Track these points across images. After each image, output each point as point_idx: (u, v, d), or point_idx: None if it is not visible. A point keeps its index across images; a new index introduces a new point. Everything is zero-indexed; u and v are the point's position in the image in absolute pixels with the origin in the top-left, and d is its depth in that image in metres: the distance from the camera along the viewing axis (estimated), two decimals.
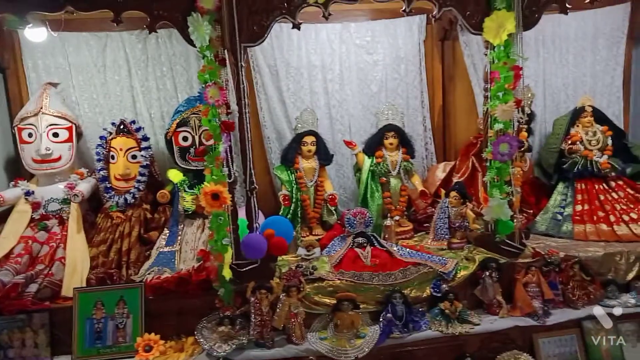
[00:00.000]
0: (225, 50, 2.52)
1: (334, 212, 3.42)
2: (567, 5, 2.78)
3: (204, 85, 2.46)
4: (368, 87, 3.66)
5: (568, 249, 3.03)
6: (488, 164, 2.86)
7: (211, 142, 2.54)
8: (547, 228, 3.37)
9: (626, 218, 3.26)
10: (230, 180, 2.62)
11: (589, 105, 3.59)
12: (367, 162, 3.38)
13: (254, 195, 2.73)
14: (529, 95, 3.56)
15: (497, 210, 2.80)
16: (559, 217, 3.43)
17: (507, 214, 2.80)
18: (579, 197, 3.46)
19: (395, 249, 3.04)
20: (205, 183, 2.53)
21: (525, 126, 3.44)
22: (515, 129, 2.82)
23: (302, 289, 2.64)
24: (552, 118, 3.79)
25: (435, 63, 3.73)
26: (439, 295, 2.76)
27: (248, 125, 2.66)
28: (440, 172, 3.67)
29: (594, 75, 3.87)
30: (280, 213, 3.26)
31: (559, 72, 3.84)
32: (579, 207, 3.40)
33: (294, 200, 3.26)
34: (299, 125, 3.32)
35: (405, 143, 3.39)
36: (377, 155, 3.37)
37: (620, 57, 3.85)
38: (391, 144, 3.35)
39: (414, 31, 3.63)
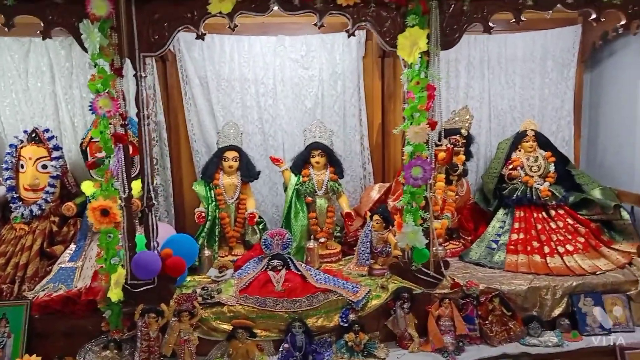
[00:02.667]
0: (125, 59, 2.43)
1: (257, 231, 3.29)
2: (490, 25, 2.66)
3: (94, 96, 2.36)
4: (302, 103, 3.56)
5: (493, 280, 2.88)
6: (404, 188, 2.73)
7: (102, 154, 2.43)
8: (479, 257, 3.22)
9: (561, 250, 3.11)
10: (125, 196, 2.51)
11: (532, 130, 3.46)
12: (292, 181, 3.26)
13: (152, 212, 2.61)
14: (467, 117, 3.45)
15: (411, 237, 2.66)
16: (494, 245, 3.28)
17: (422, 241, 2.66)
18: (517, 225, 3.32)
19: (311, 273, 2.90)
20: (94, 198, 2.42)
21: (462, 149, 3.36)
22: (432, 152, 2.69)
23: (195, 314, 2.51)
24: (498, 141, 3.67)
25: (375, 80, 3.62)
26: (346, 325, 2.62)
27: (147, 137, 2.56)
28: (375, 193, 3.54)
29: (542, 98, 3.75)
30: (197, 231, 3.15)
31: (506, 93, 3.73)
32: (514, 236, 3.26)
33: (210, 218, 3.13)
34: (220, 139, 3.21)
35: (333, 162, 3.27)
36: (304, 174, 3.25)
37: (571, 80, 3.74)
38: (318, 162, 3.23)
39: (352, 47, 3.53)
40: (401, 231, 2.69)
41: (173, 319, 2.47)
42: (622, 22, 2.75)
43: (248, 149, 3.48)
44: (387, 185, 3.59)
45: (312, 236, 3.21)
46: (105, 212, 2.40)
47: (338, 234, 3.49)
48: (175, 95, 3.48)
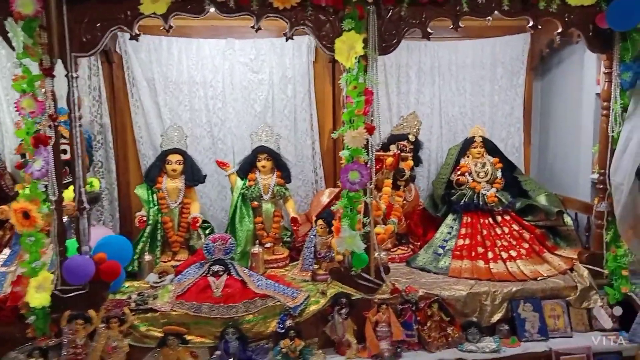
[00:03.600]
0: (55, 59, 2.37)
1: (202, 236, 3.24)
2: (428, 30, 2.67)
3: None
4: (252, 107, 3.53)
5: (434, 286, 2.88)
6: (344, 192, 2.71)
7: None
8: (425, 262, 3.21)
9: (505, 255, 3.12)
10: (55, 198, 2.44)
11: (480, 136, 3.49)
12: (239, 185, 3.22)
13: (84, 215, 2.54)
14: (415, 122, 3.46)
15: (349, 242, 2.64)
16: (441, 251, 3.28)
17: (360, 246, 2.64)
18: (463, 230, 3.33)
19: (252, 279, 2.86)
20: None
21: (410, 155, 3.36)
22: (372, 156, 2.67)
23: (125, 321, 2.45)
24: (449, 147, 3.68)
25: (326, 85, 3.61)
26: (282, 331, 2.58)
27: (78, 139, 2.50)
28: (325, 198, 3.52)
29: (492, 105, 3.79)
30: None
31: (456, 100, 3.75)
32: (460, 242, 3.27)
33: (150, 222, 3.07)
34: (164, 142, 3.16)
35: (280, 166, 3.24)
36: (250, 178, 3.22)
37: (520, 87, 3.78)
38: (264, 166, 3.20)
39: (302, 51, 3.52)
40: (339, 236, 2.67)
41: (101, 326, 2.41)
42: (559, 30, 2.78)
43: (196, 152, 3.44)
44: (338, 190, 3.56)
45: (257, 241, 3.16)
46: (26, 215, 2.33)
47: (288, 239, 3.45)
48: (121, 97, 3.42)
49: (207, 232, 3.30)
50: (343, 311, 2.63)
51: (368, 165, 2.62)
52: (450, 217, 3.47)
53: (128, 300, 2.58)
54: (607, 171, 2.85)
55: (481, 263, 3.10)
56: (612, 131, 2.81)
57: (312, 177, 3.68)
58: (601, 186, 2.91)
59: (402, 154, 3.32)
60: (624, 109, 2.79)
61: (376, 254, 2.93)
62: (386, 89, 3.66)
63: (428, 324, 2.69)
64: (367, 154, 2.64)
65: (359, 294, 2.72)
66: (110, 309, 2.45)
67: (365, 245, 2.67)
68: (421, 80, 3.69)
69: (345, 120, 2.62)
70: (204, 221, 3.37)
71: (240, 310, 2.61)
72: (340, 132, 2.65)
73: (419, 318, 2.70)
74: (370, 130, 2.61)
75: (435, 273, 3.11)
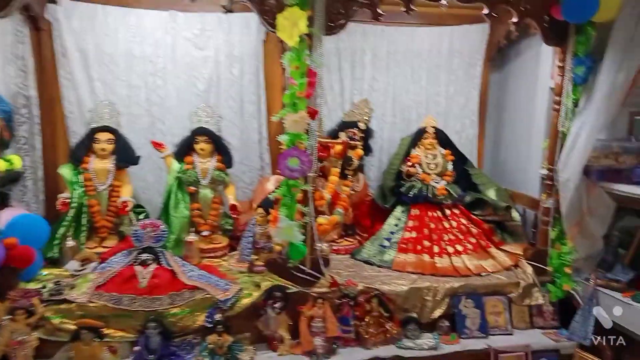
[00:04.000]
0: None
1: (135, 221, 3.02)
2: (379, 12, 2.52)
3: None
4: (195, 86, 3.31)
5: (376, 280, 2.76)
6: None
7: None
8: (370, 255, 3.10)
9: (450, 250, 3.04)
10: None
11: (432, 127, 3.38)
12: (174, 168, 3.02)
13: None
14: (366, 110, 3.33)
15: (286, 232, 2.49)
16: (387, 243, 3.17)
17: (298, 237, 2.50)
18: (411, 223, 3.23)
19: (184, 269, 2.67)
20: None
21: (359, 143, 3.22)
22: (314, 142, 2.52)
23: (34, 312, 2.23)
24: (402, 137, 3.57)
25: (276, 66, 3.40)
26: (210, 325, 2.42)
27: None
28: (271, 186, 3.33)
29: (448, 95, 3.69)
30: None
31: (411, 88, 3.64)
32: (407, 235, 3.17)
33: (74, 204, 2.83)
34: (93, 119, 2.92)
35: (220, 150, 3.05)
36: (187, 162, 3.01)
37: (477, 79, 3.69)
38: (202, 149, 3.00)
39: (252, 29, 3.32)
40: (276, 226, 2.52)
41: (5, 318, 2.18)
42: (514, 20, 2.68)
43: (132, 132, 3.19)
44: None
45: (193, 229, 2.98)
46: None
47: (230, 227, 3.27)
48: (50, 68, 3.13)
49: (140, 217, 3.09)
50: (277, 305, 2.49)
51: (309, 152, 2.47)
52: (399, 209, 3.37)
53: (40, 290, 2.36)
54: (555, 167, 2.79)
55: (426, 257, 3.01)
56: (563, 126, 2.75)
57: (258, 162, 3.50)
58: (549, 182, 2.85)
59: (351, 141, 3.18)
60: (576, 104, 2.72)
61: (318, 245, 2.80)
62: (339, 74, 3.51)
63: (366, 320, 2.58)
64: (311, 140, 2.50)
65: (296, 287, 2.59)
66: (16, 300, 2.22)
67: (303, 237, 2.52)
68: (376, 66, 3.54)
69: (287, 103, 2.45)
70: (138, 206, 3.16)
71: (165, 303, 2.43)
72: (280, 114, 2.48)
73: (357, 313, 2.59)
74: (313, 114, 2.46)
75: (379, 266, 3.00)
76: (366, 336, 2.54)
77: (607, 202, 2.66)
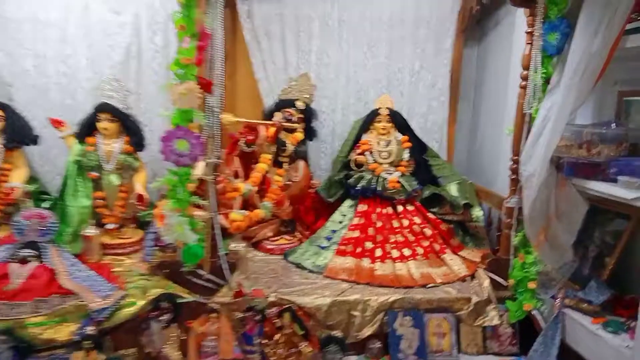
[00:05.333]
0: None
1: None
2: None
3: None
4: (109, 56, 2.89)
5: (296, 290, 2.31)
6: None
7: None
8: (302, 258, 2.64)
9: (396, 254, 2.57)
10: None
11: (387, 108, 2.89)
12: (75, 150, 2.61)
13: None
14: (307, 87, 2.85)
15: (176, 230, 2.06)
16: (325, 243, 2.72)
17: (190, 236, 2.07)
18: (356, 221, 2.77)
19: (68, 269, 2.27)
20: None
21: (298, 125, 2.77)
22: (215, 121, 2.08)
23: None
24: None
25: None
26: (81, 340, 2.02)
27: None
28: (198, 171, 2.90)
29: (413, 72, 3.18)
30: None
31: (369, 63, 3.14)
32: (349, 234, 2.70)
33: None
34: None
35: (129, 130, 2.63)
36: (89, 143, 2.60)
37: (447, 53, 3.16)
38: (106, 129, 2.58)
39: None
40: (164, 223, 2.09)
41: None
42: None
43: (40, 109, 2.81)
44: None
45: (94, 222, 2.57)
46: None
47: (149, 220, 2.85)
48: None
49: (42, 205, 2.70)
50: (163, 317, 2.07)
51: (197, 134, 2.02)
52: (346, 204, 2.91)
53: None
54: (519, 158, 2.28)
55: (366, 262, 2.55)
56: (529, 108, 2.23)
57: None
58: (514, 176, 2.35)
59: (285, 123, 2.72)
60: (547, 80, 2.20)
61: (232, 245, 2.38)
62: (282, 45, 3.04)
63: (276, 338, 2.15)
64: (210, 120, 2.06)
65: (192, 297, 2.16)
66: None
67: (197, 236, 2.09)
68: (326, 36, 3.06)
69: (173, 71, 2.00)
70: (42, 193, 2.78)
71: (27, 311, 2.04)
72: (166, 86, 2.03)
73: (265, 329, 2.16)
74: (206, 86, 2.01)
75: (310, 271, 2.55)
76: (273, 358, 2.11)
77: (579, 203, 2.14)
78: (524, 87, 2.26)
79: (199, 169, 2.85)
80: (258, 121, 2.60)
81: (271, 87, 3.03)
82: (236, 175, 2.88)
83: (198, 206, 2.11)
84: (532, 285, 2.29)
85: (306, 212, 2.98)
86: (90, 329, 2.02)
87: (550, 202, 2.19)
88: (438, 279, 2.43)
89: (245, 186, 2.43)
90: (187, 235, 2.06)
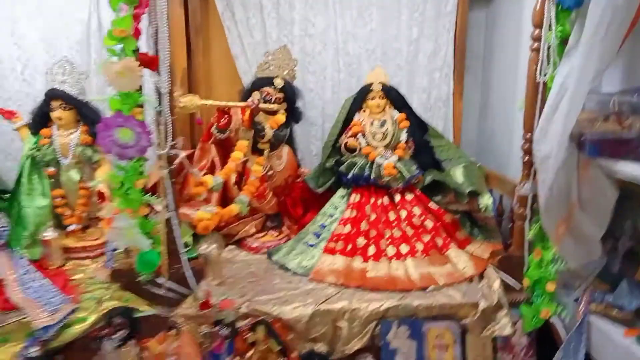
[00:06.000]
0: None
1: None
2: None
3: None
4: (65, 35, 2.59)
5: (275, 297, 2.02)
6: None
7: None
8: (287, 258, 2.35)
9: (391, 252, 2.25)
10: None
11: (380, 83, 2.54)
12: (29, 143, 2.35)
13: None
14: (288, 62, 2.52)
15: (128, 235, 1.78)
16: (314, 240, 2.42)
17: (143, 242, 1.79)
18: (348, 213, 2.45)
19: (20, 278, 2.02)
20: None
21: (277, 106, 2.45)
22: (166, 106, 1.78)
23: None
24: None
25: (176, 8, 2.63)
26: None
27: None
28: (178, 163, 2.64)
29: (410, 40, 2.80)
30: None
31: (360, 33, 2.77)
32: (340, 229, 2.39)
33: None
34: None
35: (86, 118, 2.35)
36: (43, 135, 2.33)
37: (450, 17, 2.78)
38: (60, 118, 2.30)
39: None
40: (112, 227, 1.81)
41: None
42: None
43: None
44: (189, 152, 2.69)
45: (56, 223, 2.33)
46: None
47: None
48: None
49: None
50: (117, 335, 1.81)
51: (144, 122, 1.72)
52: (339, 194, 2.59)
53: None
54: (533, 136, 1.93)
55: (357, 262, 2.24)
56: (543, 75, 1.87)
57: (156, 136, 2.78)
58: (527, 158, 2.00)
59: (263, 105, 2.40)
60: (563, 40, 1.82)
61: (203, 247, 2.10)
62: (260, 16, 2.70)
63: (248, 356, 1.87)
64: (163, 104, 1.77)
65: (151, 310, 1.89)
66: None
67: (150, 241, 1.81)
68: (309, 3, 2.70)
69: (107, 47, 1.69)
70: (3, 192, 2.53)
71: None
72: (101, 64, 1.73)
73: (236, 346, 1.88)
74: (149, 63, 1.70)
75: (295, 273, 2.26)
76: None
77: (607, 188, 1.78)
78: (536, 50, 1.89)
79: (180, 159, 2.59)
80: (228, 103, 2.28)
81: (250, 64, 2.71)
82: (213, 166, 2.60)
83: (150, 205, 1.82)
84: (550, 287, 1.95)
85: (294, 205, 2.67)
86: (35, 350, 1.77)
87: (571, 187, 1.84)
88: (440, 280, 2.11)
89: (214, 179, 2.13)
90: (139, 240, 1.78)
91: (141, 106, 1.72)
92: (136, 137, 1.70)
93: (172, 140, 1.83)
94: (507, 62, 2.66)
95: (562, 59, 1.82)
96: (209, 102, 2.21)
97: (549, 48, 1.84)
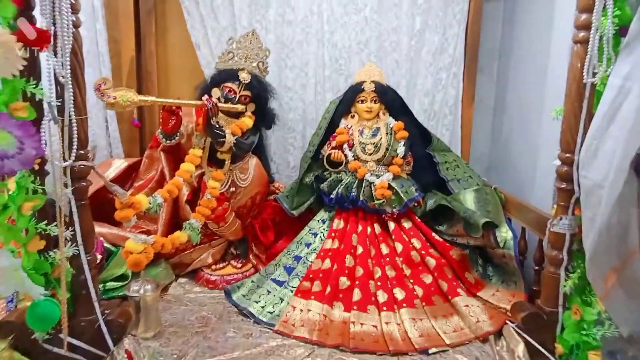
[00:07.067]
0: None
1: None
2: None
3: None
4: None
5: (221, 358, 1.54)
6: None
7: None
8: (248, 300, 1.86)
9: (382, 298, 1.78)
10: None
11: (372, 82, 2.07)
12: None
13: None
14: (258, 51, 2.05)
15: (14, 278, 1.29)
16: (284, 277, 1.94)
17: (34, 289, 1.29)
18: (329, 244, 1.98)
19: None
20: None
21: (241, 107, 1.99)
22: (69, 96, 1.29)
23: None
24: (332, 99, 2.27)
25: None
26: None
27: None
28: (112, 172, 2.16)
29: (412, 33, 2.35)
30: None
31: (350, 22, 2.31)
32: (317, 264, 1.92)
33: None
34: None
35: None
36: None
37: (461, 6, 2.33)
38: None
39: None
40: None
41: None
42: None
43: None
44: (135, 160, 2.22)
45: None
46: None
47: None
48: None
49: None
50: None
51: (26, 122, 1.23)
52: (320, 216, 2.13)
53: None
54: (575, 157, 1.47)
55: (338, 311, 1.76)
56: (592, 75, 1.41)
57: (102, 136, 2.30)
58: (564, 185, 1.53)
59: (224, 105, 1.92)
60: (621, 28, 1.37)
61: (133, 288, 1.63)
62: None
63: None
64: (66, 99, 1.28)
65: None
66: None
67: (41, 289, 1.31)
68: None
69: None
70: None
71: None
72: None
73: None
74: (37, 38, 1.21)
75: (257, 322, 1.77)
76: None
77: None
78: (582, 42, 1.43)
79: (115, 168, 2.13)
80: (176, 100, 1.80)
81: (214, 55, 2.24)
82: (163, 179, 2.12)
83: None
84: (594, 356, 1.48)
85: (263, 229, 2.18)
86: None
87: (629, 228, 1.37)
88: (447, 340, 1.64)
89: (150, 199, 1.65)
90: (28, 287, 1.29)
91: (31, 99, 1.23)
92: (17, 144, 1.21)
93: (81, 149, 1.34)
94: (532, 59, 2.20)
95: (619, 54, 1.36)
96: (150, 98, 1.73)
97: (601, 39, 1.38)
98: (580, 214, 1.51)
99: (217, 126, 1.91)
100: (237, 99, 1.96)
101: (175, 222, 2.07)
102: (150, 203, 1.65)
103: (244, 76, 1.95)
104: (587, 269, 1.43)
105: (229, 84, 1.96)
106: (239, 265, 2.14)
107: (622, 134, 1.30)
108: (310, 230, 2.10)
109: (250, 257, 2.18)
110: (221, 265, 2.13)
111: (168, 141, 1.91)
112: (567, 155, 1.50)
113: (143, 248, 1.60)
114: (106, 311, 1.49)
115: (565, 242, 1.53)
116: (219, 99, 1.92)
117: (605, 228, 1.36)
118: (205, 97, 1.85)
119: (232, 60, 1.99)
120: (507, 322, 1.68)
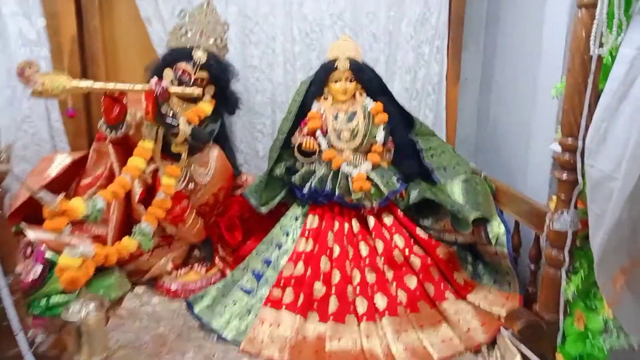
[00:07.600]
0: None
1: None
2: None
3: None
4: None
5: None
6: None
7: None
8: (210, 312, 1.66)
9: (362, 307, 1.59)
10: None
11: (348, 58, 1.84)
12: None
13: None
14: (216, 26, 1.81)
15: None
16: (252, 284, 1.74)
17: None
18: (302, 245, 1.77)
19: None
20: None
21: (198, 91, 1.76)
22: None
23: None
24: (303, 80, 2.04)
25: None
26: None
27: None
28: (54, 169, 1.92)
29: (389, 3, 2.11)
30: None
31: None
32: (289, 269, 1.71)
33: None
34: None
35: None
36: None
37: None
38: None
39: None
40: None
41: None
42: None
43: None
44: (82, 154, 1.97)
45: None
46: None
47: None
48: None
49: None
50: None
51: None
52: (292, 212, 1.92)
53: None
54: (578, 142, 1.28)
55: (312, 324, 1.57)
56: (599, 45, 1.21)
57: (43, 129, 2.05)
58: (565, 175, 1.34)
59: (175, 88, 1.69)
60: None
61: (72, 309, 1.42)
62: None
63: None
64: None
65: None
66: None
67: None
68: None
69: None
70: None
71: None
72: None
73: None
74: None
75: (221, 337, 1.58)
76: None
77: None
78: (587, 6, 1.23)
79: (56, 165, 1.89)
80: (118, 85, 1.56)
81: (167, 31, 1.98)
82: (112, 176, 1.89)
83: None
84: None
85: (230, 228, 1.97)
86: None
87: (637, 224, 1.19)
88: (435, 354, 1.46)
89: (88, 204, 1.42)
90: None
91: None
92: None
93: None
94: (524, 30, 1.99)
95: (630, 21, 1.16)
96: (87, 83, 1.49)
97: (610, 1, 1.18)
98: (584, 207, 1.34)
99: (170, 114, 1.68)
100: (191, 82, 1.73)
101: (129, 224, 1.84)
102: (89, 209, 1.42)
103: (199, 55, 1.72)
104: (597, 273, 1.26)
105: (182, 65, 1.72)
106: (204, 270, 1.93)
107: (637, 114, 1.11)
108: (281, 227, 1.89)
109: (216, 260, 1.97)
110: (183, 271, 1.92)
111: (113, 133, 1.67)
112: (569, 140, 1.30)
113: (81, 263, 1.38)
114: (37, 340, 1.28)
115: (566, 241, 1.35)
116: (171, 82, 1.69)
117: (618, 224, 1.18)
118: (154, 80, 1.61)
119: (184, 37, 1.75)
120: (502, 329, 1.52)
